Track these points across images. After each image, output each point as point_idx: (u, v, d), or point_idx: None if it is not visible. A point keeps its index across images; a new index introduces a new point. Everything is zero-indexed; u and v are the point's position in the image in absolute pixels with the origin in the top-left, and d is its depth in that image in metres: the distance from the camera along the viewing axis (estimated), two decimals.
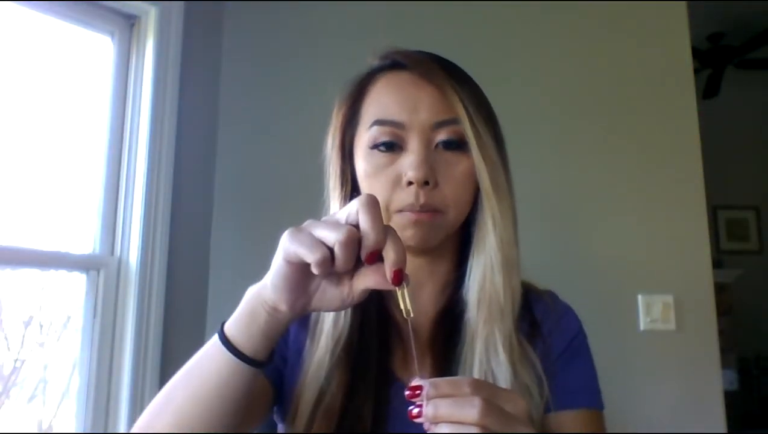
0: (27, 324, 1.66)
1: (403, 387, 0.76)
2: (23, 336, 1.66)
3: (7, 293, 1.65)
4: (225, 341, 0.60)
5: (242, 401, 0.61)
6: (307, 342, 0.77)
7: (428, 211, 0.73)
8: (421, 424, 0.48)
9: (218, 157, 1.91)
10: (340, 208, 0.80)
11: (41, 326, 1.69)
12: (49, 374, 1.69)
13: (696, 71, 2.30)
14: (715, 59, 3.90)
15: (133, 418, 1.59)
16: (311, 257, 0.52)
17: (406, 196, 0.73)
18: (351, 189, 0.80)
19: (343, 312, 0.76)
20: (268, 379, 0.75)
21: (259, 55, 1.97)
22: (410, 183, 0.72)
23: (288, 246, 0.54)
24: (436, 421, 0.50)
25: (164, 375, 1.66)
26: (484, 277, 0.75)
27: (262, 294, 0.59)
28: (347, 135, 0.81)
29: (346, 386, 0.73)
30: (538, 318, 0.80)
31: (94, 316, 1.62)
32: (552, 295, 0.85)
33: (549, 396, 0.74)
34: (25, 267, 1.61)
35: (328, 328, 0.76)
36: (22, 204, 1.60)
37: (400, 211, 0.74)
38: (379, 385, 0.74)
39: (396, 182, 0.74)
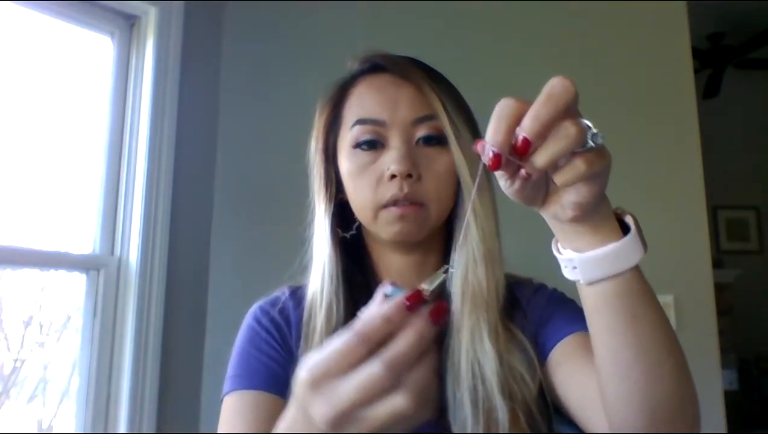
0: (27, 324, 1.66)
1: None
2: (23, 336, 1.66)
3: (7, 293, 1.65)
4: None
5: None
6: (301, 341, 0.78)
7: (412, 203, 0.74)
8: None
9: (218, 157, 1.91)
10: (326, 210, 0.80)
11: (41, 326, 1.69)
12: (49, 374, 1.69)
13: (696, 71, 2.30)
14: (715, 59, 3.90)
15: (133, 418, 1.59)
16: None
17: (390, 189, 0.75)
18: (336, 190, 0.82)
19: (335, 309, 0.77)
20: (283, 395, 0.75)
21: (259, 55, 1.97)
22: (393, 176, 0.74)
23: None
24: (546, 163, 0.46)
25: (164, 375, 1.66)
26: (467, 269, 0.77)
27: None
28: (330, 137, 0.83)
29: None
30: (517, 295, 0.82)
31: (94, 316, 1.62)
32: (530, 279, 0.87)
33: (542, 376, 0.74)
34: (25, 267, 1.61)
35: (321, 326, 0.77)
36: (22, 204, 1.60)
37: (386, 206, 0.75)
38: None
39: (380, 179, 0.76)
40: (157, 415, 1.64)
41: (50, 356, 1.70)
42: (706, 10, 3.30)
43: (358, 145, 0.78)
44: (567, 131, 0.46)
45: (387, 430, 0.43)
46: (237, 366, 0.79)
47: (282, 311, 0.82)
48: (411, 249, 0.81)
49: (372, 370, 0.42)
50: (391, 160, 0.75)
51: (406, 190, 0.74)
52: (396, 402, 0.42)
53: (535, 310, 0.79)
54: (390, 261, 0.82)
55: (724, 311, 3.07)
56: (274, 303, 0.83)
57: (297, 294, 0.84)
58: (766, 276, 4.20)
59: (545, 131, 0.46)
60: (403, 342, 0.43)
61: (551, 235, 0.56)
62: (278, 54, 1.97)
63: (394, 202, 0.75)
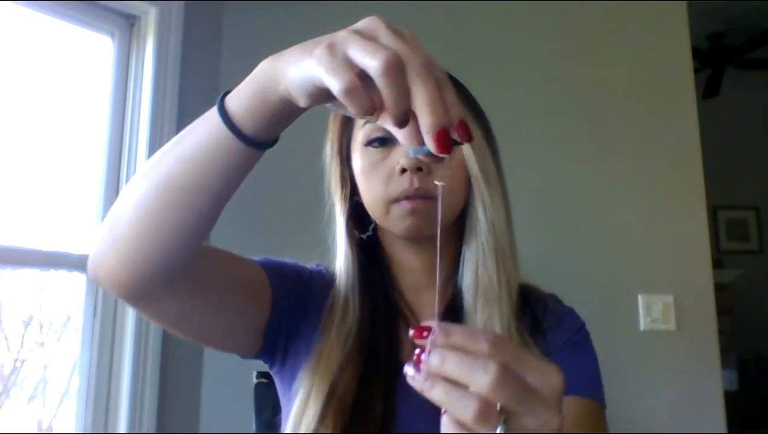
0: (27, 324, 1.66)
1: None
2: (23, 336, 1.66)
3: (7, 293, 1.65)
4: (225, 116, 0.55)
5: (235, 178, 0.59)
6: (320, 330, 0.78)
7: (423, 196, 0.74)
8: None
9: None
10: (342, 210, 0.82)
11: (41, 326, 1.69)
12: (49, 374, 1.69)
13: (696, 71, 2.30)
14: (715, 59, 3.90)
15: (133, 418, 1.59)
16: (336, 85, 0.44)
17: (401, 184, 0.75)
18: (351, 192, 0.83)
19: (351, 304, 0.78)
20: (268, 279, 0.77)
21: (259, 55, 1.96)
22: (404, 171, 0.75)
23: (312, 69, 0.46)
24: (436, 375, 0.41)
25: (164, 375, 1.66)
26: (477, 263, 0.77)
27: (280, 81, 0.51)
28: (344, 139, 0.84)
29: (359, 377, 0.74)
30: (538, 315, 0.81)
31: (94, 316, 1.62)
32: (555, 298, 0.86)
33: None
34: (25, 267, 1.61)
35: (338, 320, 0.77)
36: (22, 204, 1.60)
37: (397, 200, 0.76)
38: (389, 377, 0.75)
39: (390, 174, 0.76)
40: (157, 415, 1.64)
41: (50, 356, 1.70)
42: (706, 10, 3.31)
43: (369, 143, 0.79)
44: (485, 370, 0.40)
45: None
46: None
47: (322, 277, 0.84)
48: (424, 247, 0.80)
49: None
50: (401, 154, 0.75)
51: (417, 184, 0.74)
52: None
53: (555, 339, 0.79)
54: (404, 259, 0.83)
55: (724, 311, 3.08)
56: (322, 272, 0.86)
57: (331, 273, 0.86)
58: (766, 276, 4.20)
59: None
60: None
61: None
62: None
63: (406, 197, 0.75)
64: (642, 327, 1.85)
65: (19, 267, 1.59)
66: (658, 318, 1.84)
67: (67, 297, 1.69)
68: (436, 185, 0.75)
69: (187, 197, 0.58)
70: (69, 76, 1.72)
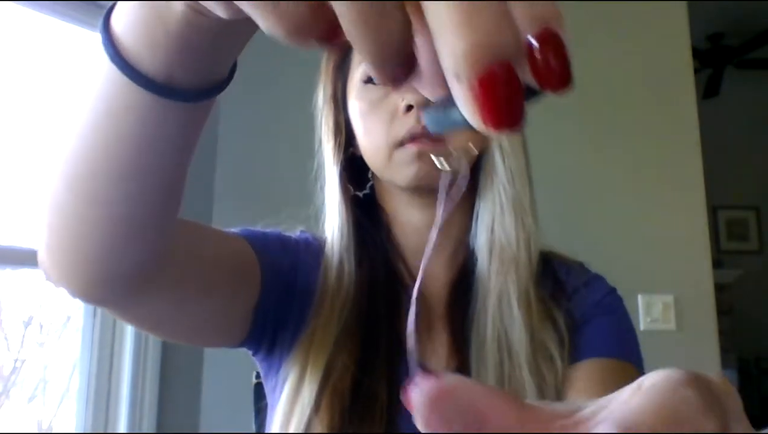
0: (27, 324, 1.66)
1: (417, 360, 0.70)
2: (23, 336, 1.66)
3: (7, 293, 1.65)
4: (113, 50, 0.36)
5: (172, 146, 0.40)
6: (314, 303, 0.69)
7: (432, 138, 0.63)
8: None
9: (218, 157, 1.91)
10: (335, 162, 0.72)
11: (41, 326, 1.69)
12: (49, 374, 1.69)
13: (696, 71, 2.30)
14: (715, 59, 3.91)
15: (133, 418, 1.59)
16: None
17: (406, 123, 0.64)
18: (345, 139, 0.73)
19: (346, 268, 0.69)
20: (256, 255, 0.65)
21: (259, 53, 1.96)
22: (410, 108, 0.64)
23: None
24: None
25: (164, 375, 1.66)
26: (493, 220, 0.68)
27: None
28: (338, 83, 0.75)
29: (357, 359, 0.65)
30: (561, 277, 0.73)
31: (94, 316, 1.62)
32: (581, 264, 0.78)
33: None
34: (25, 267, 1.61)
35: (332, 291, 0.68)
36: (23, 204, 1.60)
37: (401, 144, 0.65)
38: (391, 358, 0.67)
39: (394, 113, 0.66)
40: (157, 415, 1.64)
41: (50, 356, 1.70)
42: (706, 10, 3.30)
43: (369, 80, 0.68)
44: None
45: None
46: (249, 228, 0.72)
47: (309, 246, 0.74)
48: (431, 202, 0.69)
49: None
50: (406, 89, 0.61)
51: (424, 122, 0.65)
52: None
53: (581, 303, 0.70)
54: (408, 218, 0.72)
55: (724, 311, 3.08)
56: (309, 240, 0.75)
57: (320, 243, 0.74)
58: (766, 276, 4.20)
59: None
60: None
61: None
62: (278, 52, 1.97)
63: (411, 138, 0.64)
64: (642, 327, 1.84)
65: (19, 267, 1.59)
66: (658, 318, 1.84)
67: (67, 297, 1.69)
68: (441, 170, 0.65)
69: (110, 190, 0.41)
70: (69, 76, 1.72)
